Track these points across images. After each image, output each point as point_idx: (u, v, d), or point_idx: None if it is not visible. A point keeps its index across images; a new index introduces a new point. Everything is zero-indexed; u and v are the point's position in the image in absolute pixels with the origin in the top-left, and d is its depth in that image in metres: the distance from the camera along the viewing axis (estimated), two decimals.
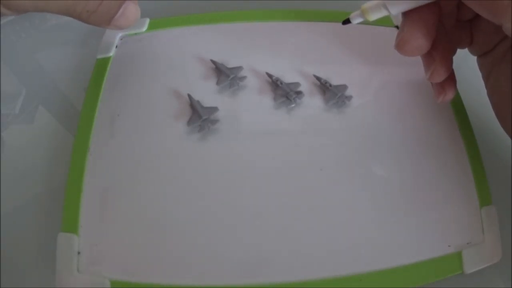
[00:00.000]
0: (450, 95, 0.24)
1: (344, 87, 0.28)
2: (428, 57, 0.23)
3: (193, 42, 0.31)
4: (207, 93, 0.28)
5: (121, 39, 0.31)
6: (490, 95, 0.24)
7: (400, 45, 0.22)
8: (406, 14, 0.22)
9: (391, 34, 0.31)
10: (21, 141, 0.29)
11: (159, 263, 0.22)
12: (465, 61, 0.27)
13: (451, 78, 0.24)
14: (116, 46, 0.30)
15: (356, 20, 0.23)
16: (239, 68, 0.29)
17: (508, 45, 0.23)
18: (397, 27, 0.31)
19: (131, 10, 0.24)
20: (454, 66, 0.24)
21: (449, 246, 0.23)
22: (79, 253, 0.22)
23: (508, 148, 0.28)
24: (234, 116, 0.27)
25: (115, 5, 0.23)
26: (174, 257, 0.22)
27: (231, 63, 0.29)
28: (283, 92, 0.28)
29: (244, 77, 0.28)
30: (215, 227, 0.23)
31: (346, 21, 0.23)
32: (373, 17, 0.22)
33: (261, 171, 0.25)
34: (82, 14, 0.22)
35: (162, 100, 0.28)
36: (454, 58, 0.24)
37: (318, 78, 0.28)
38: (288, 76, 0.29)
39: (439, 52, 0.23)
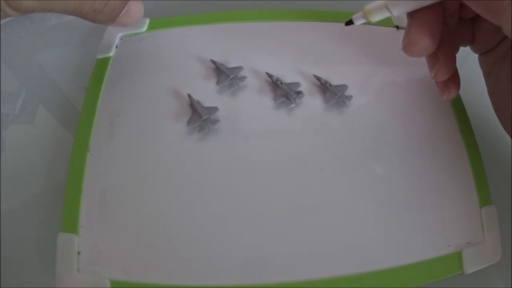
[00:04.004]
0: (454, 93, 0.24)
1: (344, 87, 0.28)
2: (432, 57, 0.23)
3: (193, 42, 0.31)
4: (207, 93, 0.28)
5: (121, 39, 0.31)
6: (491, 93, 0.24)
7: (408, 47, 0.22)
8: (412, 16, 0.22)
9: (391, 34, 0.31)
10: (21, 141, 0.29)
11: (159, 263, 0.22)
12: (466, 61, 0.27)
13: (455, 76, 0.24)
14: (116, 46, 0.30)
15: (358, 21, 0.23)
16: (239, 68, 0.29)
17: (509, 44, 0.23)
18: (397, 27, 0.31)
19: (135, 9, 0.24)
20: None
21: (449, 246, 0.23)
22: (79, 253, 0.22)
23: (508, 148, 0.28)
24: (234, 116, 0.27)
25: (120, 4, 0.23)
26: (174, 257, 0.22)
27: (231, 63, 0.29)
28: (283, 92, 0.28)
29: (244, 77, 0.28)
30: (215, 227, 0.23)
31: (349, 22, 0.24)
32: (375, 18, 0.22)
33: (261, 171, 0.25)
34: (89, 14, 0.22)
35: (162, 100, 0.28)
36: None
37: (318, 78, 0.28)
38: (288, 76, 0.29)
39: (443, 51, 0.23)
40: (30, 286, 0.23)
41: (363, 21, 0.23)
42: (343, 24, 0.24)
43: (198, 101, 0.27)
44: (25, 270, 0.24)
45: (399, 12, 0.22)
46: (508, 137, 0.23)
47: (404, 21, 0.23)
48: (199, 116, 0.26)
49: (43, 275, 0.24)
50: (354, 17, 0.23)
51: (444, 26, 0.23)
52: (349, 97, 0.28)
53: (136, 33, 0.31)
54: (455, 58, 0.24)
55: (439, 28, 0.22)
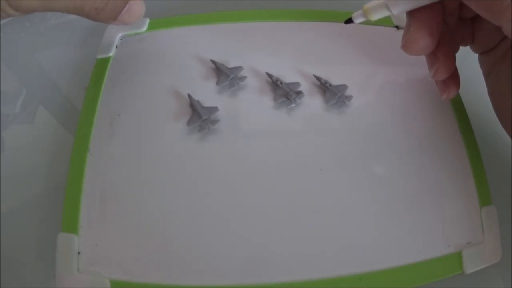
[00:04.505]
0: (454, 92, 0.24)
1: (344, 87, 0.28)
2: (432, 56, 0.23)
3: (193, 42, 0.31)
4: (207, 93, 0.28)
5: (121, 39, 0.31)
6: (491, 93, 0.24)
7: (407, 46, 0.22)
8: (411, 14, 0.22)
9: (391, 34, 0.31)
10: (21, 141, 0.29)
11: (159, 263, 0.22)
12: (466, 61, 0.27)
13: (454, 75, 0.24)
14: (116, 46, 0.30)
15: (358, 20, 0.23)
16: (239, 68, 0.29)
17: (509, 44, 0.23)
18: (397, 27, 0.31)
19: (136, 7, 0.25)
20: None
21: (449, 246, 0.23)
22: (79, 253, 0.22)
23: (508, 148, 0.28)
24: (234, 116, 0.27)
25: (122, 3, 0.24)
26: (174, 257, 0.22)
27: (231, 63, 0.29)
28: (283, 92, 0.28)
29: (244, 77, 0.28)
30: (215, 227, 0.23)
31: (349, 21, 0.24)
32: (375, 17, 0.22)
33: (261, 171, 0.25)
34: (90, 12, 0.23)
35: (162, 100, 0.28)
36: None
37: (318, 78, 0.28)
38: (288, 76, 0.29)
39: (442, 50, 0.23)
40: (30, 286, 0.23)
41: (362, 19, 0.23)
42: (343, 24, 0.24)
43: (198, 101, 0.27)
44: (25, 270, 0.24)
45: (399, 11, 0.22)
46: (508, 137, 0.23)
47: (404, 21, 0.23)
48: (199, 116, 0.26)
49: (43, 275, 0.24)
50: (353, 15, 0.23)
51: (443, 25, 0.23)
52: (349, 97, 0.28)
53: (136, 33, 0.31)
54: (454, 58, 0.24)
55: (439, 27, 0.22)
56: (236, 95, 0.28)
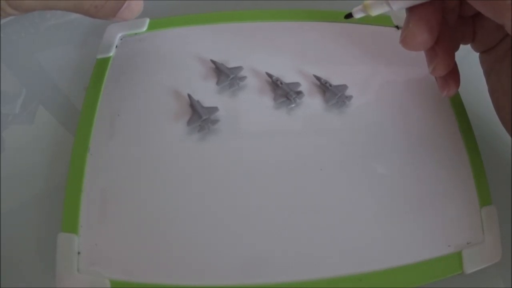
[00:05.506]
0: (454, 90, 0.24)
1: (344, 87, 0.28)
2: (431, 52, 0.23)
3: (193, 42, 0.31)
4: (207, 93, 0.28)
5: (121, 39, 0.31)
6: (491, 92, 0.24)
7: (405, 41, 0.22)
8: (410, 10, 0.22)
9: (391, 34, 0.31)
10: (21, 141, 0.29)
11: (159, 263, 0.22)
12: (466, 60, 0.27)
13: (454, 73, 0.24)
14: (116, 46, 0.30)
15: (358, 15, 0.23)
16: (239, 68, 0.29)
17: (510, 43, 0.23)
18: (397, 27, 0.31)
19: (136, 3, 0.25)
20: None
21: (449, 246, 0.23)
22: (79, 253, 0.22)
23: (508, 148, 0.28)
24: (234, 116, 0.27)
25: (120, 1, 0.23)
26: (174, 257, 0.22)
27: (231, 63, 0.29)
28: (283, 92, 0.28)
29: (244, 77, 0.28)
30: (215, 227, 0.23)
31: (349, 15, 0.24)
32: (375, 12, 0.22)
33: (261, 171, 0.25)
34: (90, 10, 0.23)
35: (162, 100, 0.28)
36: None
37: (318, 78, 0.28)
38: (288, 76, 0.29)
39: (442, 47, 0.23)
40: (30, 286, 0.23)
41: (362, 14, 0.23)
42: (343, 24, 0.24)
43: (198, 101, 0.27)
44: (25, 270, 0.24)
45: (399, 7, 0.22)
46: (508, 137, 0.23)
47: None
48: (199, 116, 0.26)
49: (43, 275, 0.24)
50: (354, 10, 0.23)
51: (444, 22, 0.23)
52: (349, 97, 0.28)
53: (136, 33, 0.31)
54: (454, 55, 0.24)
55: (438, 23, 0.22)
56: (236, 95, 0.28)
